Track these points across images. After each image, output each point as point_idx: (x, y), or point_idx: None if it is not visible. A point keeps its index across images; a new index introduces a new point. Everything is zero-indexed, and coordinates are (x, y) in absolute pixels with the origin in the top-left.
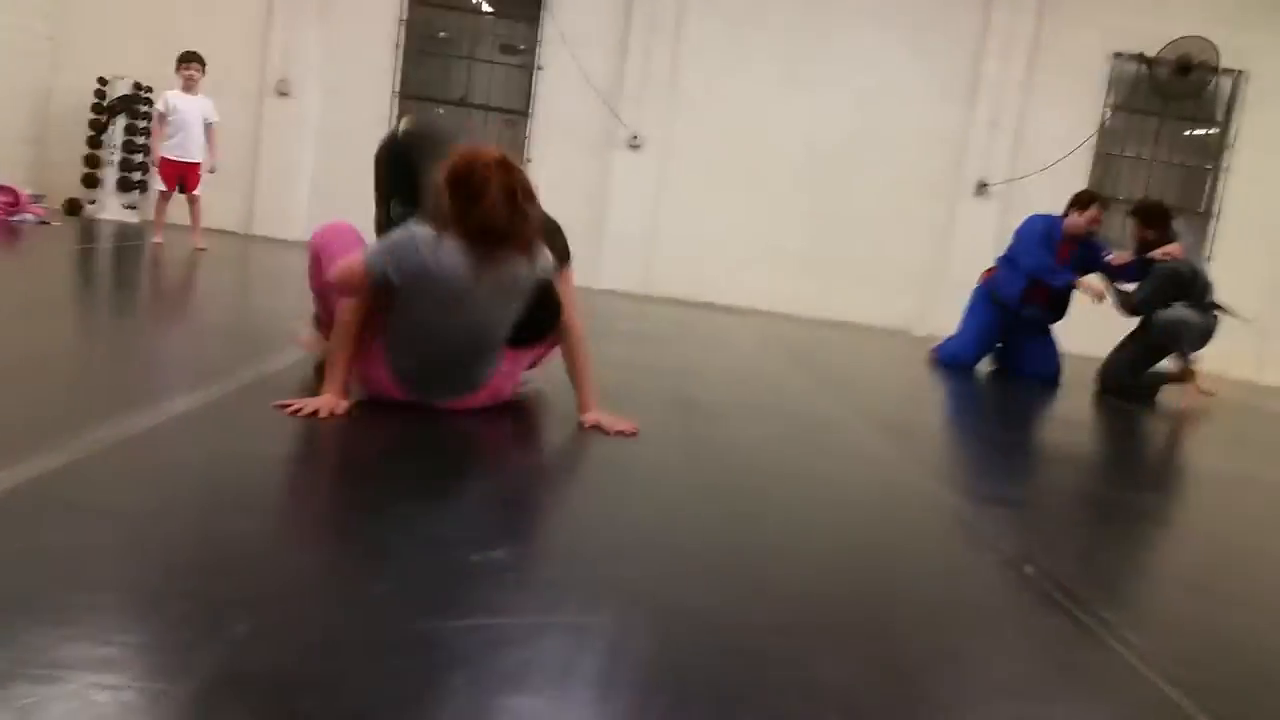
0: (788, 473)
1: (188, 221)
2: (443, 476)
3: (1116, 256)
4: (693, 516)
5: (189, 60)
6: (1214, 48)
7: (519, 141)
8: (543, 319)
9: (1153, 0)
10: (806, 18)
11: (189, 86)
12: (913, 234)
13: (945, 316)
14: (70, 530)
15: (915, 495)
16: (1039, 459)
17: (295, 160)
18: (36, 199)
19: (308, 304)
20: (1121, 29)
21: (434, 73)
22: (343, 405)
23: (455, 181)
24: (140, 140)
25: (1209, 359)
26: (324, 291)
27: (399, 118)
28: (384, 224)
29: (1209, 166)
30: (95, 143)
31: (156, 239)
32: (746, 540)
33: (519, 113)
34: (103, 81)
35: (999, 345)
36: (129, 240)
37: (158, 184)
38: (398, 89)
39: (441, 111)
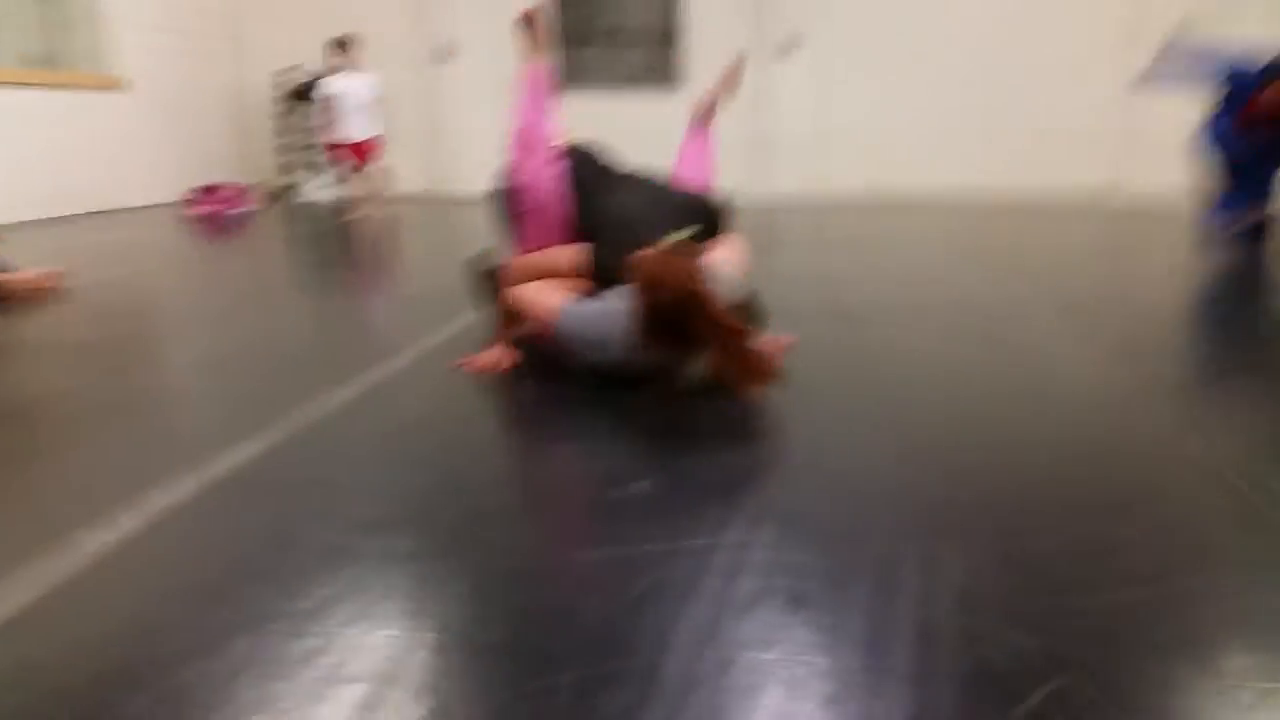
0: (941, 375)
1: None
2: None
3: None
4: (833, 430)
5: (343, 43)
6: None
7: (672, 65)
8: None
9: None
10: None
11: (346, 68)
12: (1099, 95)
13: (1146, 180)
14: (281, 499)
15: (1080, 380)
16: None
17: (469, 118)
18: (246, 191)
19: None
20: None
21: (581, 10)
22: (510, 360)
23: (652, 309)
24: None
25: None
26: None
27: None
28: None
29: None
30: (287, 130)
31: (354, 214)
32: (888, 446)
33: (669, 34)
34: (283, 72)
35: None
36: (325, 220)
37: (348, 164)
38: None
39: (593, 49)
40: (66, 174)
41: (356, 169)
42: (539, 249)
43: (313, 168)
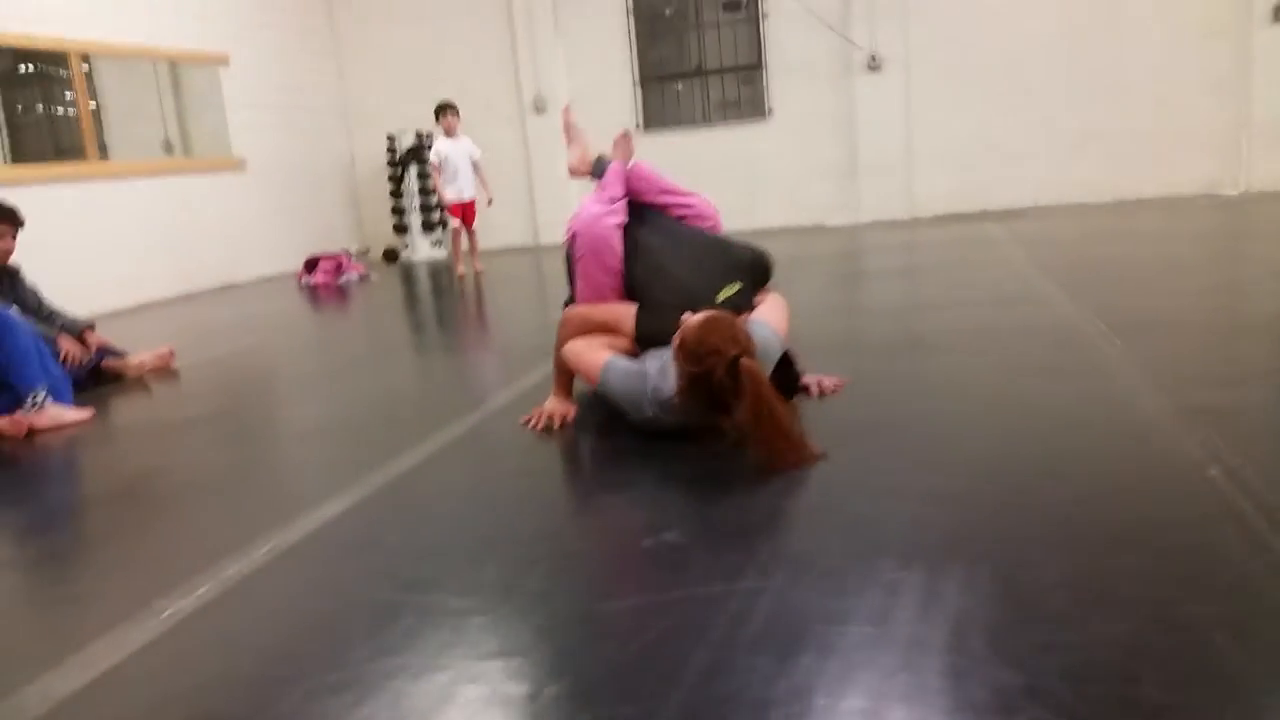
0: (989, 408)
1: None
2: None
3: None
4: (868, 470)
5: (444, 110)
6: None
7: (758, 96)
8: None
9: None
10: None
11: (450, 132)
12: (1199, 84)
13: (1259, 172)
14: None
15: (1115, 408)
16: None
17: (562, 168)
18: (361, 255)
19: None
20: None
21: (667, 50)
22: (569, 410)
23: (694, 379)
24: (432, 183)
25: None
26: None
27: None
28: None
29: None
30: (396, 194)
31: (459, 271)
32: (916, 484)
33: (753, 67)
34: (390, 138)
35: None
36: (431, 279)
37: (453, 223)
38: (638, 76)
39: (679, 87)
40: (191, 253)
41: (459, 230)
42: (592, 297)
43: (425, 225)
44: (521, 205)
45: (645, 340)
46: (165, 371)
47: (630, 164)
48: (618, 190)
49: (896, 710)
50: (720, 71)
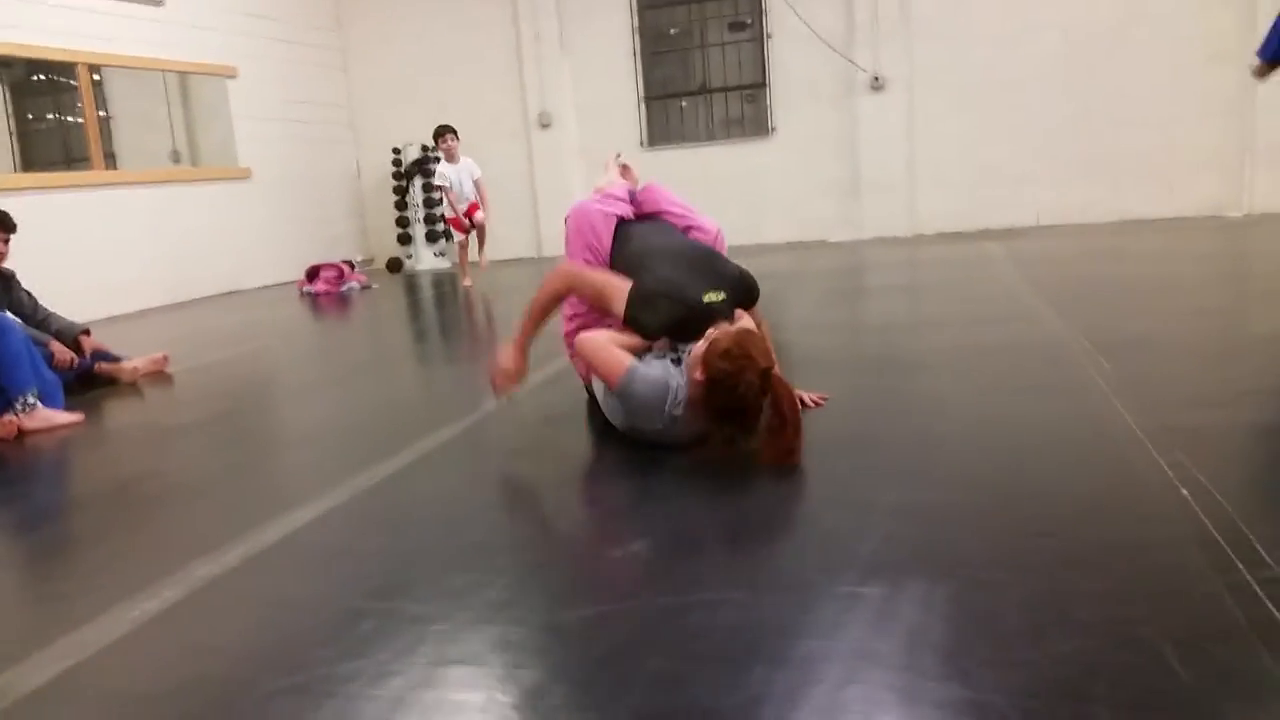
0: (966, 427)
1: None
2: (626, 477)
3: None
4: (843, 486)
5: (444, 133)
6: None
7: (761, 114)
8: None
9: None
10: None
11: (451, 155)
12: (1202, 107)
13: (1262, 195)
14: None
15: (1095, 428)
16: None
17: (566, 182)
18: (364, 264)
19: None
20: None
21: (672, 69)
22: (521, 369)
23: (717, 384)
24: (437, 195)
25: None
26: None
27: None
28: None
29: None
30: (401, 205)
31: (465, 283)
32: (886, 499)
33: (757, 85)
34: (396, 151)
35: None
36: (432, 289)
37: (458, 237)
38: (642, 93)
39: (684, 104)
40: (195, 261)
41: (464, 241)
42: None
43: (430, 236)
44: (525, 218)
45: (632, 324)
46: (159, 376)
47: (642, 185)
48: (620, 195)
49: None
50: (725, 90)
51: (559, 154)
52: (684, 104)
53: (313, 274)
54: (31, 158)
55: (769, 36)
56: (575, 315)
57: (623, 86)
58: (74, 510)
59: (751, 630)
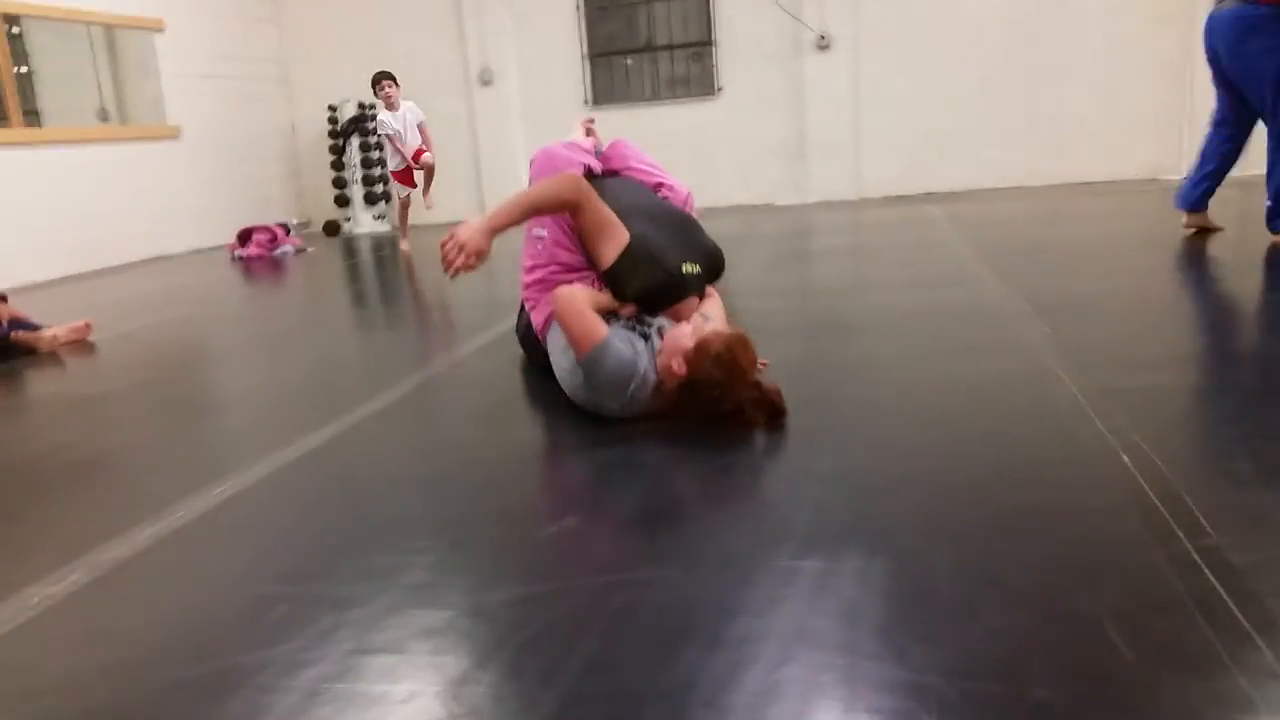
0: (904, 391)
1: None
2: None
3: None
4: (777, 456)
5: (381, 79)
6: None
7: (708, 74)
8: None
9: None
10: None
11: (391, 103)
12: (1143, 70)
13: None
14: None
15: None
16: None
17: (509, 141)
18: (300, 227)
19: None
20: None
21: (617, 25)
22: (486, 250)
23: (695, 399)
24: (375, 155)
25: None
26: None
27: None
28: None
29: None
30: (338, 165)
31: (404, 246)
32: (821, 468)
33: (704, 43)
34: (332, 108)
35: None
36: (371, 252)
37: (399, 193)
38: (586, 50)
39: (629, 62)
40: (121, 224)
41: (406, 200)
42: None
43: (368, 199)
44: (468, 179)
45: (612, 280)
46: (81, 345)
47: (609, 142)
48: (586, 146)
49: (777, 707)
50: (670, 48)
51: (501, 112)
52: (629, 62)
53: (244, 237)
54: None
55: None
56: (536, 267)
57: (566, 43)
58: None
59: (685, 609)
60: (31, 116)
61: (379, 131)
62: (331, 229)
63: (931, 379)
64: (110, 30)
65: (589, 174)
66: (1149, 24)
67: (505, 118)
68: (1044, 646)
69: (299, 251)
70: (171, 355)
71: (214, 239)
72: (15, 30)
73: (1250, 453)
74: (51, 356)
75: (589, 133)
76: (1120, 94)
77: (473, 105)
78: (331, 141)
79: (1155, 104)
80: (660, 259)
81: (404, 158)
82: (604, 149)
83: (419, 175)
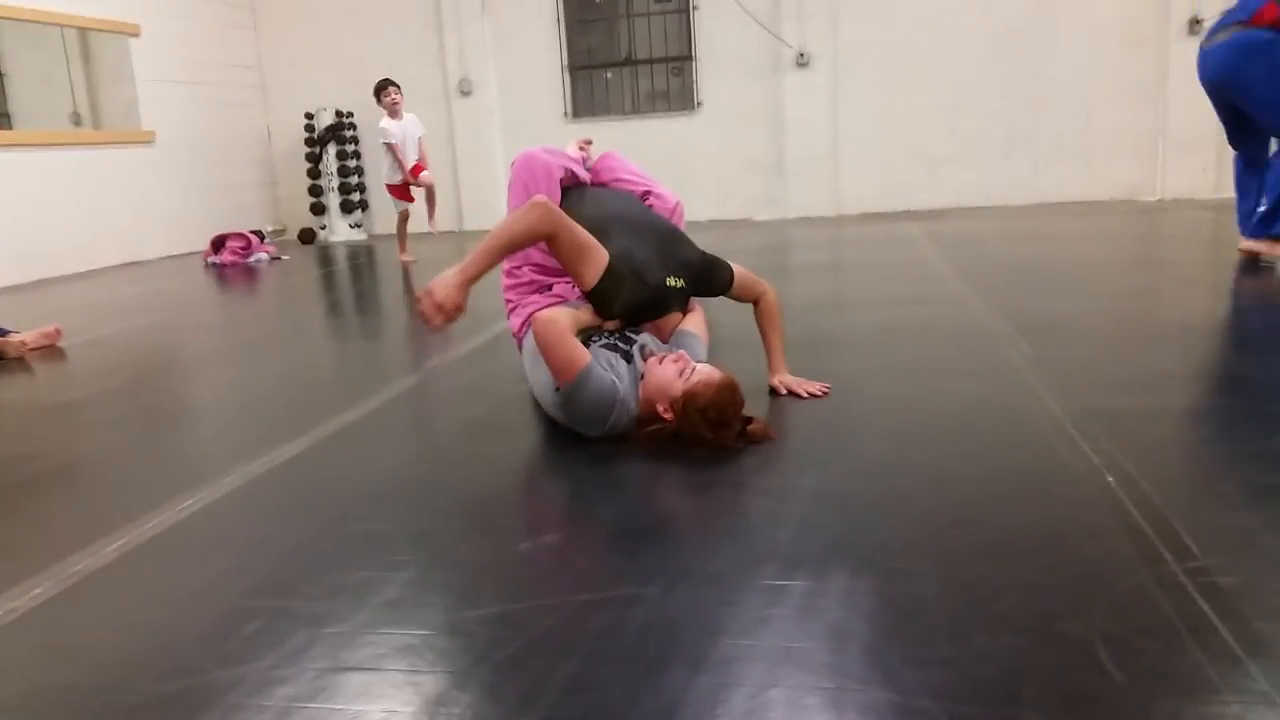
0: (886, 409)
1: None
2: (545, 468)
3: None
4: (761, 473)
5: (386, 87)
6: None
7: (688, 88)
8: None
9: None
10: None
11: (395, 111)
12: (1120, 91)
13: (1175, 179)
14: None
15: (1016, 412)
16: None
17: (488, 152)
18: (275, 235)
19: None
20: None
21: (597, 38)
22: (462, 302)
23: (685, 429)
24: (352, 164)
25: None
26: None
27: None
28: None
29: None
30: (314, 173)
31: (406, 258)
32: (804, 486)
33: (684, 58)
34: (309, 116)
35: None
36: (357, 259)
37: (399, 207)
38: (566, 62)
39: (609, 75)
40: (95, 229)
41: (406, 213)
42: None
43: (345, 207)
44: (446, 189)
45: (596, 298)
46: (50, 350)
47: (600, 154)
48: (573, 155)
49: None
50: (650, 62)
51: (480, 123)
52: (609, 75)
53: (219, 244)
54: None
55: (695, 8)
56: (514, 268)
57: (546, 55)
58: None
59: (668, 629)
60: (2, 119)
61: (380, 140)
62: (307, 237)
63: (914, 397)
64: (85, 34)
65: (574, 182)
66: (1126, 46)
67: (484, 129)
68: (1034, 669)
69: (274, 259)
70: (143, 362)
71: (188, 245)
72: None
73: (1235, 474)
74: (19, 362)
75: (582, 150)
76: (1097, 115)
77: (451, 116)
78: (308, 149)
79: (1132, 126)
80: (643, 274)
81: (403, 171)
82: (596, 160)
83: (416, 193)
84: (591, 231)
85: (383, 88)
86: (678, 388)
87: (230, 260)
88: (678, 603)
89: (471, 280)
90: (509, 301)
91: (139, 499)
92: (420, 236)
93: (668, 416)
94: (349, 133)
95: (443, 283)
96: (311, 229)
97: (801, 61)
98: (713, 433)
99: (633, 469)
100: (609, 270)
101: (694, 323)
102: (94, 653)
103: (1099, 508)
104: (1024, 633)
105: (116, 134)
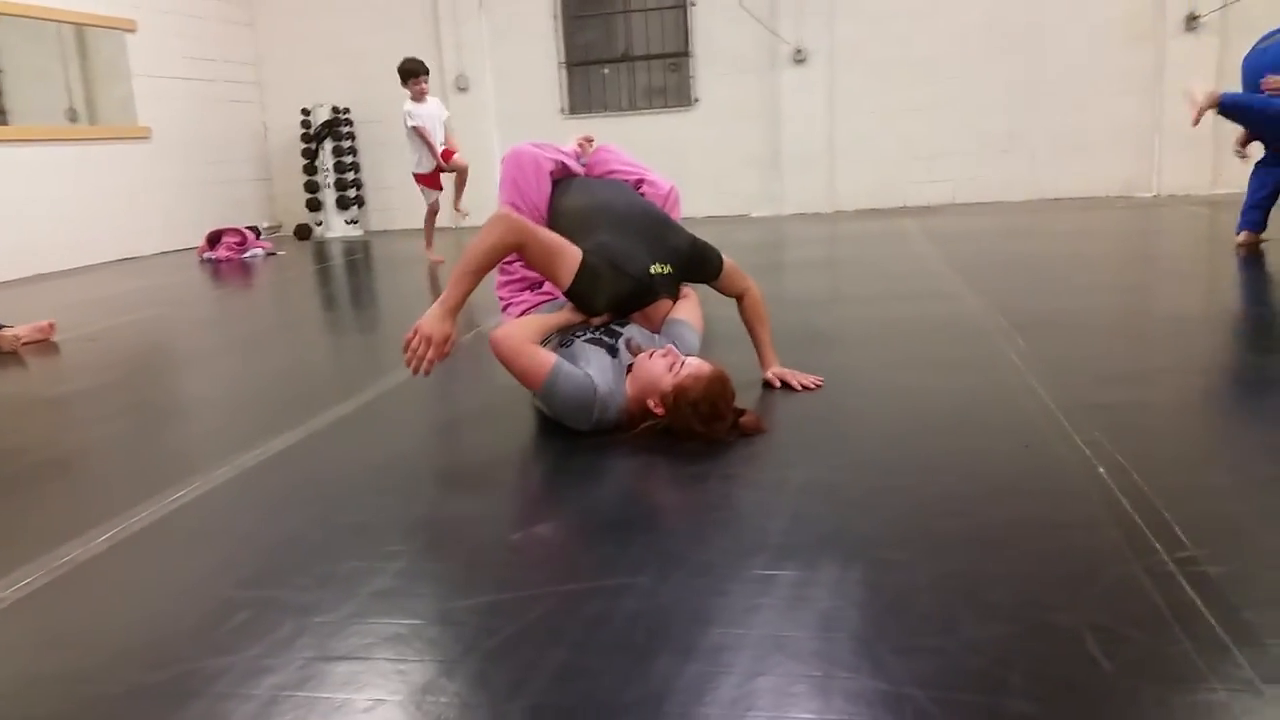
0: (878, 404)
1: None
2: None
3: None
4: (752, 465)
5: (416, 73)
6: None
7: (685, 85)
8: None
9: None
10: None
11: (421, 96)
12: (1117, 88)
13: (1171, 175)
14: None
15: (1009, 404)
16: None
17: (486, 148)
18: (271, 230)
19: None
20: None
21: (594, 34)
22: (450, 334)
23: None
24: (348, 160)
25: None
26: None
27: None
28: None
29: None
30: (311, 169)
31: (434, 257)
32: (795, 478)
33: (681, 54)
34: (306, 112)
35: None
36: (354, 254)
37: (429, 198)
38: (563, 58)
39: (606, 72)
40: (91, 224)
41: (435, 208)
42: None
43: (340, 203)
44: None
45: (577, 299)
46: (44, 345)
47: (595, 147)
48: (567, 150)
49: (750, 718)
50: (647, 58)
51: (477, 119)
52: (606, 71)
53: (214, 239)
54: None
55: (692, 5)
56: (506, 266)
57: (543, 51)
58: None
59: (658, 618)
60: None
61: (407, 124)
62: (303, 233)
63: (908, 391)
64: (81, 30)
65: (565, 174)
66: (1123, 42)
67: (481, 125)
68: (1023, 658)
69: (269, 255)
70: (136, 357)
71: (183, 241)
72: None
73: (1226, 466)
74: (13, 356)
75: (581, 148)
76: (1094, 112)
77: (449, 111)
78: (304, 145)
79: (1129, 122)
80: (624, 265)
81: (435, 157)
82: (592, 153)
83: (445, 180)
84: (576, 222)
85: (413, 74)
86: (667, 382)
87: (226, 256)
88: (668, 592)
89: (455, 308)
90: (501, 299)
91: (130, 491)
92: (411, 235)
93: (659, 412)
94: (345, 129)
95: (428, 318)
96: (307, 225)
97: (798, 58)
98: (705, 426)
99: (625, 460)
100: (583, 267)
101: (686, 310)
102: (83, 641)
103: (1090, 499)
104: (1013, 622)
105: (112, 129)
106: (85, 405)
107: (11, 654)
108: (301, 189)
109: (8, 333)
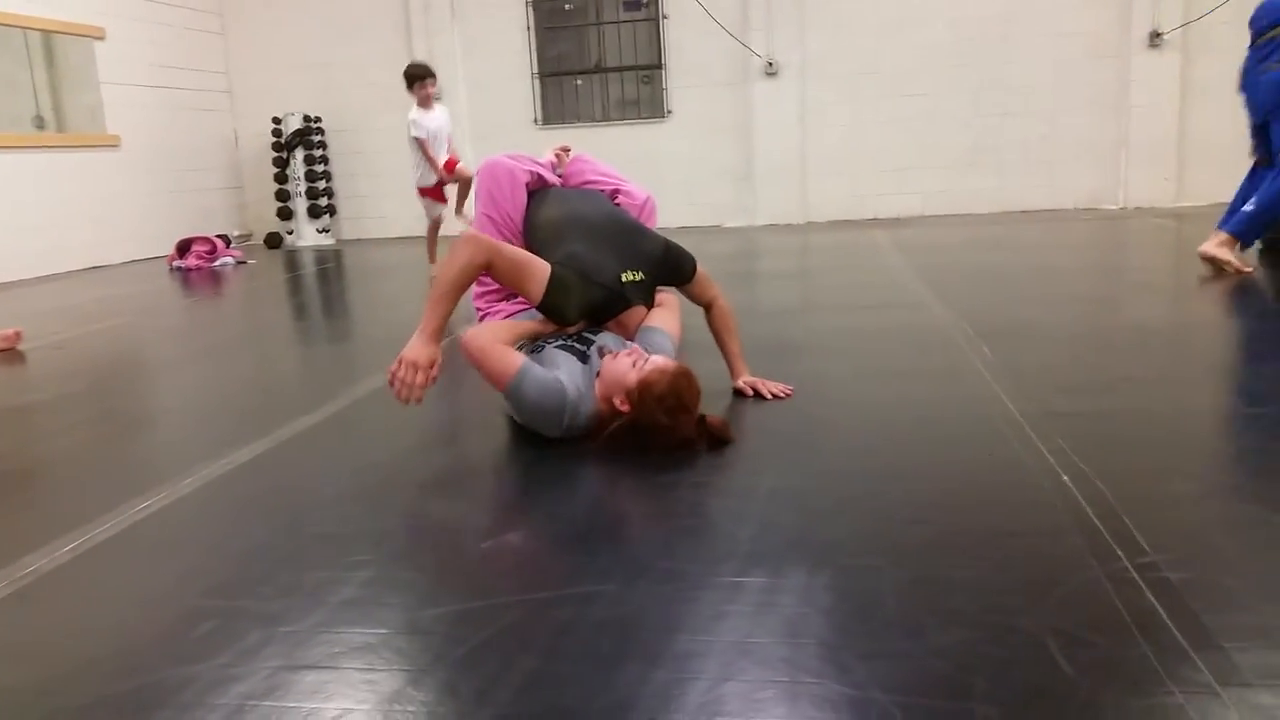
0: (847, 412)
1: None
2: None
3: None
4: (722, 472)
5: (424, 77)
6: None
7: (658, 96)
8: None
9: None
10: None
11: (428, 102)
12: (1083, 101)
13: (1136, 189)
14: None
15: (975, 413)
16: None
17: (460, 159)
18: (241, 239)
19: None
20: None
21: (566, 46)
22: (435, 359)
23: (639, 435)
24: (320, 169)
25: None
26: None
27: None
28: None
29: None
30: (281, 178)
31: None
32: (763, 484)
33: (653, 67)
34: (277, 120)
35: None
36: (325, 264)
37: (433, 211)
38: (536, 70)
39: (579, 83)
40: (58, 233)
41: (439, 221)
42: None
43: (312, 212)
44: (414, 194)
45: (548, 311)
46: (10, 354)
47: (571, 157)
48: (542, 161)
49: None
50: (620, 70)
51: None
52: (579, 82)
53: (184, 248)
54: None
55: (665, 17)
56: (483, 278)
57: (516, 62)
58: None
59: (626, 625)
60: None
61: (410, 134)
62: (273, 241)
63: (876, 400)
64: (49, 36)
65: (541, 185)
66: (1088, 58)
67: (454, 135)
68: (986, 664)
69: (239, 263)
70: (104, 366)
71: (153, 250)
72: None
73: (1187, 474)
74: None
75: (558, 158)
76: (1061, 126)
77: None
78: (275, 154)
79: (1095, 136)
80: (593, 274)
81: (436, 169)
82: (569, 163)
83: (448, 191)
84: (549, 234)
85: (421, 78)
86: (632, 378)
87: (195, 265)
88: (636, 599)
89: (436, 333)
90: (479, 310)
91: (95, 501)
92: (385, 244)
93: (624, 408)
94: (317, 138)
95: (410, 347)
96: (278, 234)
97: (770, 71)
98: (670, 418)
99: (595, 468)
100: (552, 280)
101: (661, 318)
102: (46, 653)
103: (1054, 506)
104: (976, 628)
105: (81, 137)
106: (51, 414)
107: None
108: (272, 198)
109: None
